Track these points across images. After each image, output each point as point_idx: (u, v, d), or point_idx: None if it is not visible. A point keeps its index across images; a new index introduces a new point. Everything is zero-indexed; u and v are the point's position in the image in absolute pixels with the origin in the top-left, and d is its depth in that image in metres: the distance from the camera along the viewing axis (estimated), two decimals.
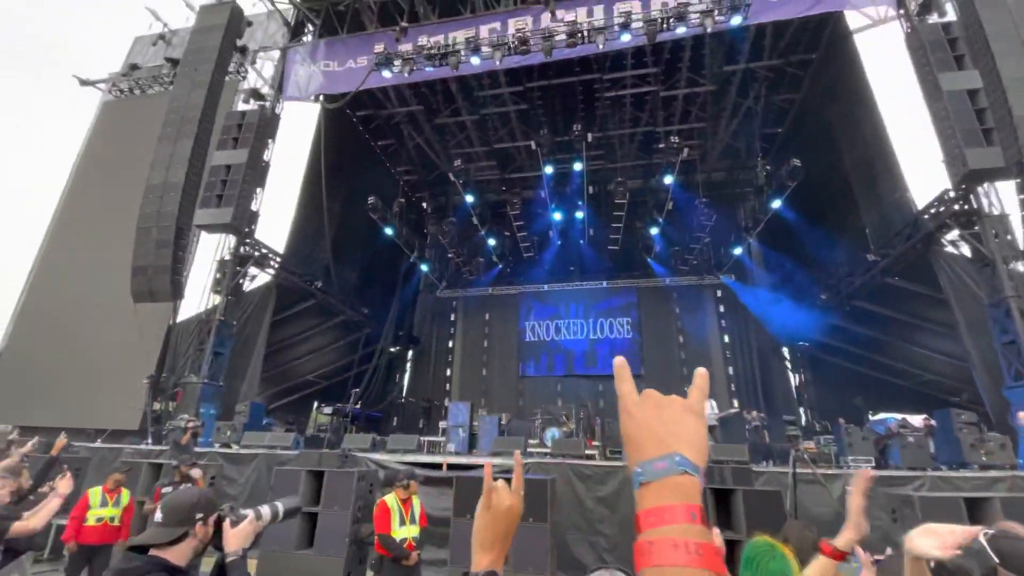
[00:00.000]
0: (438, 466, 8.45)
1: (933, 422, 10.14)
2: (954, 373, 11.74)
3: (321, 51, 14.24)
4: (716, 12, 10.83)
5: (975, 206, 9.68)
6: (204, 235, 12.90)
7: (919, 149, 11.82)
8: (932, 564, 1.59)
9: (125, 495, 5.32)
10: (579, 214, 19.13)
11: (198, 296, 12.80)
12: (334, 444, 12.61)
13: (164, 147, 11.15)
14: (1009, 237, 9.18)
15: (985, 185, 9.53)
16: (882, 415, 13.34)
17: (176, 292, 10.87)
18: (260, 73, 14.80)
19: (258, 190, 13.14)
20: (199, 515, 1.83)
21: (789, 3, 11.35)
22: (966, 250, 10.23)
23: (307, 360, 17.42)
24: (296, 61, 14.35)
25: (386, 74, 12.59)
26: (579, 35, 11.50)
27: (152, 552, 1.74)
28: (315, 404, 19.11)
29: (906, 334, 13.21)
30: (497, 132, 18.42)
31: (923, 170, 11.96)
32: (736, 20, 10.88)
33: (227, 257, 12.85)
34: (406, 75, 12.56)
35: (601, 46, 11.66)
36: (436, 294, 22.41)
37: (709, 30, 11.22)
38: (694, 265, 19.22)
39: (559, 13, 12.28)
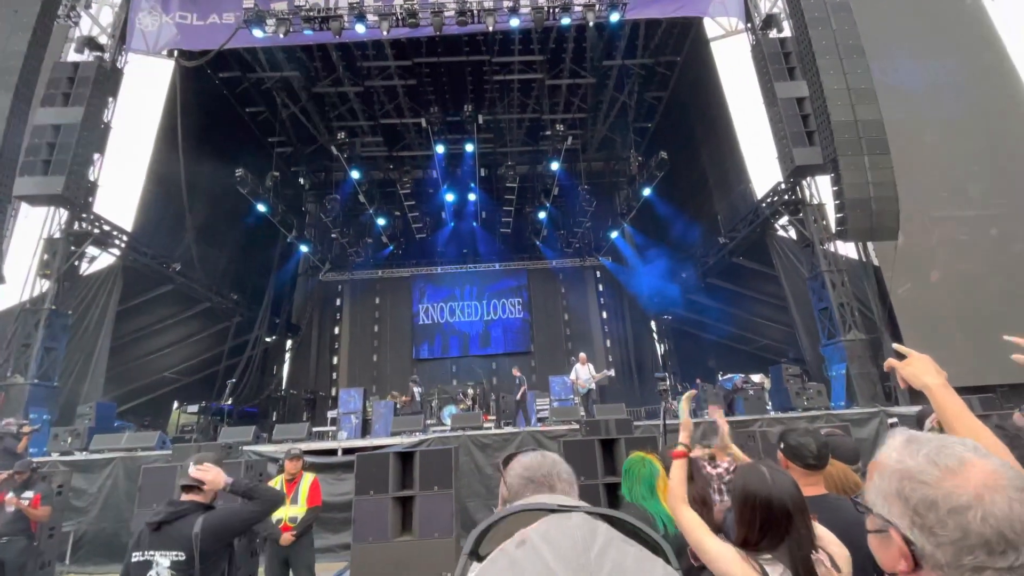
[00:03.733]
0: (333, 452, 8.14)
1: (767, 379, 12.14)
2: (783, 337, 14.08)
3: (175, 0, 12.43)
4: (597, 6, 11.52)
5: (800, 196, 11.64)
6: (26, 208, 10.70)
7: (759, 146, 13.82)
8: (782, 446, 2.05)
9: None
10: (472, 196, 19.25)
11: (19, 282, 10.63)
12: (205, 443, 11.42)
13: None
14: (824, 222, 11.20)
15: (808, 179, 11.49)
16: (730, 375, 15.61)
17: None
18: (96, 20, 12.48)
19: (97, 156, 11.20)
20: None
21: (658, 4, 12.44)
22: (793, 233, 12.26)
23: (164, 354, 15.38)
24: (143, 8, 12.34)
25: (257, 33, 11.42)
26: (469, 13, 11.47)
27: (186, 497, 2.50)
28: (175, 403, 17.04)
29: (748, 306, 15.50)
30: (384, 106, 17.71)
31: (762, 164, 14.01)
32: (615, 16, 11.67)
33: (57, 235, 10.83)
34: (281, 36, 11.49)
35: (491, 27, 11.77)
36: (319, 277, 21.06)
37: (591, 23, 11.91)
38: (577, 248, 20.58)
39: None
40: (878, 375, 10.27)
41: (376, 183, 19.62)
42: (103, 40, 11.95)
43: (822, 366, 11.13)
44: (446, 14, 11.48)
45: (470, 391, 12.44)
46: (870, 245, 11.37)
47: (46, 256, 10.47)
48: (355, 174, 16.33)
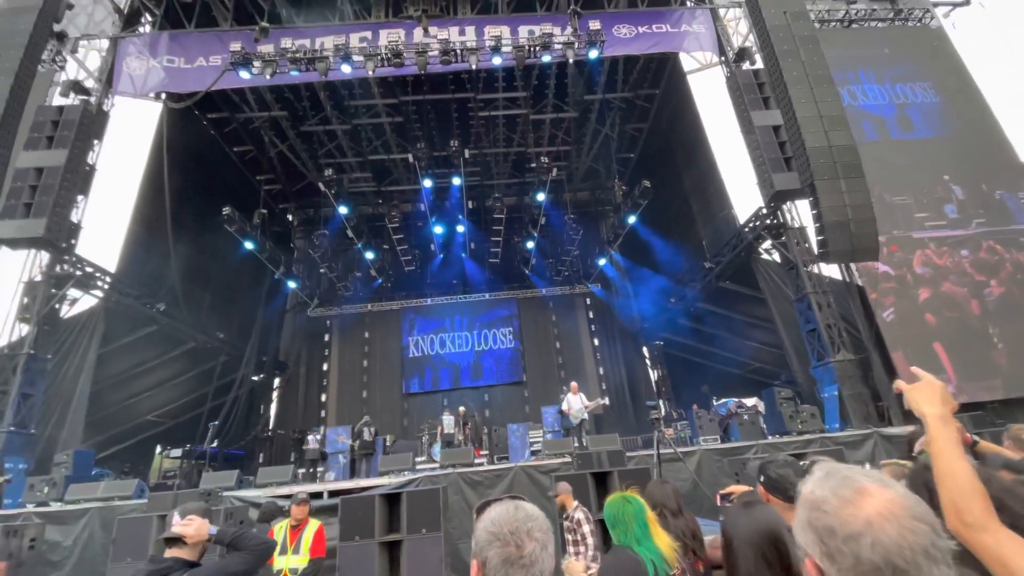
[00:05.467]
0: (319, 495, 7.87)
1: (761, 403, 12.06)
2: (774, 359, 14.07)
3: (163, 44, 12.66)
4: (576, 44, 11.91)
5: (782, 220, 11.85)
6: (5, 252, 10.56)
7: (739, 173, 14.16)
8: (762, 478, 1.99)
9: None
10: (460, 228, 19.40)
11: None
12: (187, 489, 11.01)
13: None
14: (807, 244, 11.37)
15: (788, 203, 11.72)
16: (724, 400, 15.49)
17: None
18: (83, 64, 12.66)
19: (80, 198, 11.15)
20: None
21: (635, 41, 12.91)
22: (777, 256, 12.43)
23: (147, 397, 14.96)
24: (130, 53, 12.56)
25: (244, 75, 11.63)
26: (453, 53, 11.80)
27: (170, 552, 2.27)
28: (158, 448, 16.52)
29: (738, 329, 15.54)
30: (371, 143, 17.96)
31: (743, 191, 14.31)
32: (593, 53, 12.06)
33: (38, 278, 10.67)
34: (267, 77, 11.71)
35: (474, 66, 12.10)
36: (307, 313, 20.86)
37: (571, 60, 12.28)
38: (566, 276, 20.68)
39: (431, 30, 12.50)
40: (869, 395, 10.26)
41: (365, 218, 19.72)
42: (89, 84, 12.10)
43: (814, 388, 11.10)
44: (430, 54, 11.79)
45: (461, 411, 12.14)
46: (852, 266, 11.54)
47: (26, 300, 10.29)
48: (343, 209, 16.39)
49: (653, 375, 20.94)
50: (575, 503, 4.56)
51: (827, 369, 10.58)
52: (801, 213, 11.82)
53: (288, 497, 7.35)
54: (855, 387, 10.14)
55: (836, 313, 10.92)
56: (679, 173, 16.75)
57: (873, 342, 11.00)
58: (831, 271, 11.78)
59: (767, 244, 12.63)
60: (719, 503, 2.89)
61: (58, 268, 10.87)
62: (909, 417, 9.99)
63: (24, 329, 10.14)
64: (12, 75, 8.84)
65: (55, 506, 7.81)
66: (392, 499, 5.45)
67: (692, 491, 6.73)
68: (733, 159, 15.36)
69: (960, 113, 13.12)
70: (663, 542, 2.10)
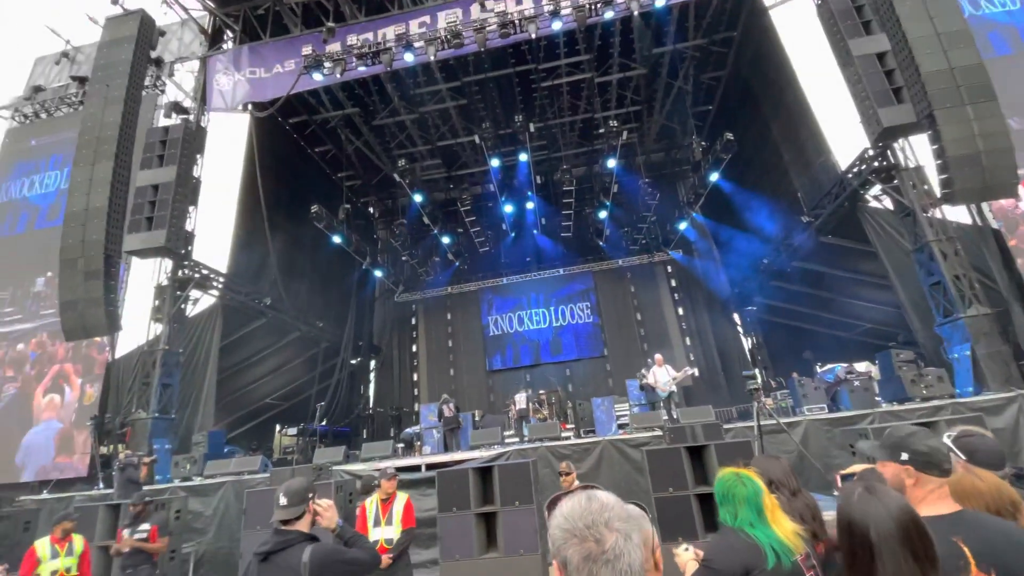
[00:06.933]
0: (417, 468, 8.32)
1: (874, 367, 10.90)
2: (888, 319, 12.65)
3: (244, 58, 13.59)
4: None
5: (893, 161, 10.44)
6: (136, 261, 12.07)
7: (839, 113, 12.63)
8: (905, 456, 1.71)
9: (78, 541, 4.89)
10: (530, 204, 19.30)
11: (137, 327, 12.01)
12: (303, 464, 12.17)
13: (81, 171, 10.27)
14: (926, 187, 9.95)
15: (900, 140, 10.28)
16: (829, 365, 14.24)
17: (112, 324, 10.08)
18: (180, 86, 13.96)
19: (191, 208, 12.42)
20: (311, 494, 2.53)
21: None
22: (888, 203, 11.02)
23: (264, 382, 16.68)
24: (218, 70, 13.63)
25: (317, 77, 12.19)
26: (511, 24, 11.52)
27: (287, 527, 2.43)
28: (277, 427, 18.38)
29: (843, 288, 14.10)
30: (439, 129, 18.23)
31: (844, 132, 12.78)
32: (660, 1, 11.22)
33: (165, 282, 12.10)
34: (338, 76, 12.21)
35: (534, 34, 11.74)
36: (394, 299, 22.00)
37: (636, 12, 11.50)
38: (643, 244, 19.90)
39: (488, 3, 12.26)
40: (1011, 354, 8.90)
41: (439, 204, 20.24)
42: (187, 103, 13.30)
43: (940, 348, 9.83)
44: (488, 29, 11.60)
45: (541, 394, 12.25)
46: (984, 206, 9.96)
47: (157, 302, 11.72)
48: (418, 198, 16.91)
49: (746, 343, 19.73)
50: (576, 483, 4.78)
51: (956, 326, 9.29)
52: (917, 151, 10.34)
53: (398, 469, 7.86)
54: (993, 345, 8.82)
55: (966, 262, 9.51)
56: (766, 121, 15.31)
57: (1014, 293, 9.49)
58: (957, 215, 10.25)
59: (876, 190, 11.22)
60: (839, 484, 2.60)
61: (180, 273, 12.23)
62: None
63: (158, 328, 11.59)
64: (122, 102, 9.93)
65: (196, 480, 8.93)
66: (484, 472, 5.61)
67: (797, 464, 6.25)
68: (830, 98, 13.75)
69: None
70: (784, 529, 1.87)
